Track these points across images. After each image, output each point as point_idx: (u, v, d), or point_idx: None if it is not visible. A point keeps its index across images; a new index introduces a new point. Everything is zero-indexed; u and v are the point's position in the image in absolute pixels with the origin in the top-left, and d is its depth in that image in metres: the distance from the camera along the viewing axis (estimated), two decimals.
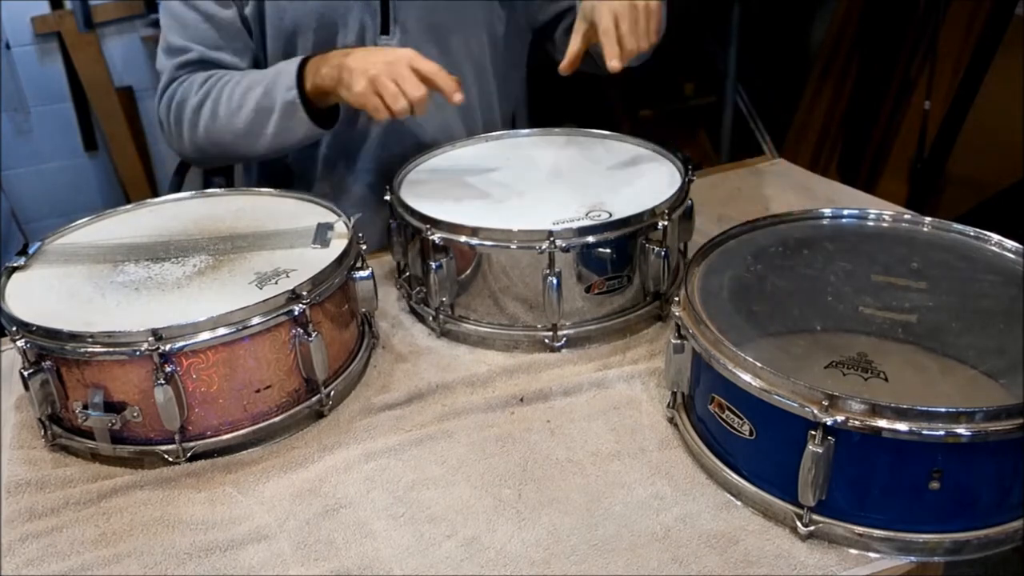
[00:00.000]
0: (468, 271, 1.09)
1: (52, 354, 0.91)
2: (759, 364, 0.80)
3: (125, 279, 1.02)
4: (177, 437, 0.94)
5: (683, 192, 1.13)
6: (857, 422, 0.75)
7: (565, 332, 1.09)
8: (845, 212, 1.09)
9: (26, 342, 0.91)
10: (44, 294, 0.99)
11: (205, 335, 0.90)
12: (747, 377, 0.81)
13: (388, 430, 0.99)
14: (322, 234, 1.09)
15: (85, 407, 0.92)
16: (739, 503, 0.86)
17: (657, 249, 1.08)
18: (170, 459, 0.95)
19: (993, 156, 2.47)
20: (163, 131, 1.35)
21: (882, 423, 0.74)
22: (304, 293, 0.94)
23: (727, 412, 0.85)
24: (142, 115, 2.73)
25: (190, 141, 1.31)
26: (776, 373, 0.78)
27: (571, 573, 0.80)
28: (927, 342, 0.86)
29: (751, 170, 1.60)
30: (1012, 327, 0.87)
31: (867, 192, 1.50)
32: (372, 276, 1.06)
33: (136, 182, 2.72)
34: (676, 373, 0.92)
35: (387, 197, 1.17)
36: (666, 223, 1.07)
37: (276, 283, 0.98)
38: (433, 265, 1.08)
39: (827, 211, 1.10)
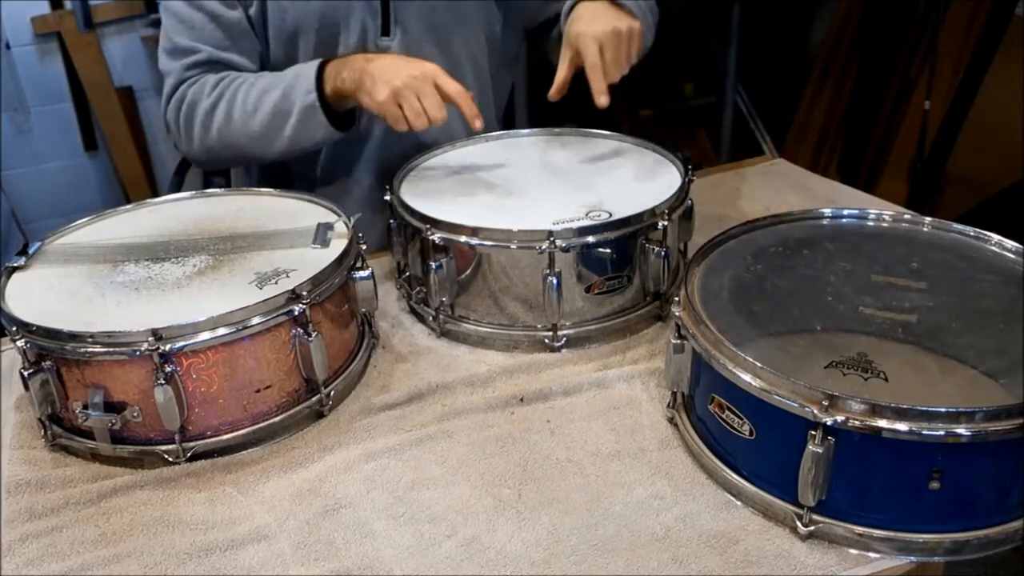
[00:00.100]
0: (468, 271, 1.09)
1: (52, 354, 0.91)
2: (759, 364, 0.80)
3: (125, 279, 1.02)
4: (177, 437, 0.94)
5: (683, 192, 1.13)
6: (857, 422, 0.75)
7: (565, 332, 1.09)
8: (845, 212, 1.09)
9: (26, 342, 0.91)
10: (44, 294, 0.99)
11: (205, 335, 0.90)
12: (747, 377, 0.81)
13: (388, 430, 0.99)
14: (322, 234, 1.09)
15: (85, 407, 0.92)
16: (739, 503, 0.86)
17: (657, 249, 1.08)
18: (170, 459, 0.95)
19: (993, 156, 2.47)
20: (169, 133, 1.35)
21: (882, 423, 0.74)
22: (304, 293, 0.94)
23: (727, 412, 0.85)
24: (142, 115, 2.73)
25: (201, 143, 1.30)
26: (776, 373, 0.78)
27: (571, 573, 0.80)
28: (927, 342, 0.86)
29: (751, 170, 1.60)
30: (1012, 327, 0.87)
31: (867, 192, 1.50)
32: (372, 276, 1.06)
33: (136, 182, 2.72)
34: (676, 373, 0.92)
35: (387, 197, 1.17)
36: (666, 223, 1.07)
37: (276, 283, 0.98)
38: (433, 265, 1.08)
39: (827, 211, 1.10)
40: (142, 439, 0.94)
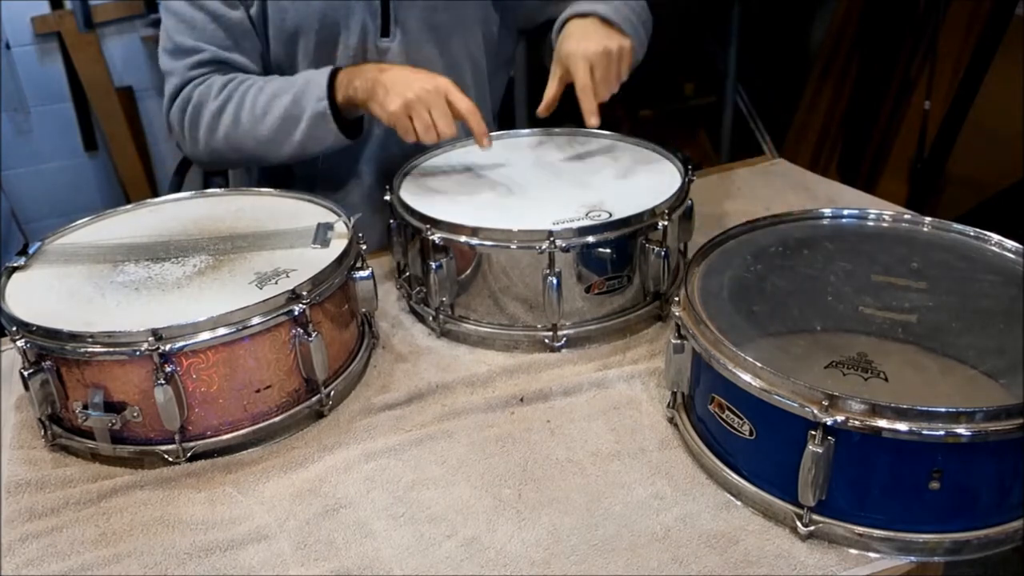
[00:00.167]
0: (468, 271, 1.09)
1: (52, 354, 0.91)
2: (759, 364, 0.80)
3: (125, 279, 1.02)
4: (177, 437, 0.94)
5: (683, 192, 1.13)
6: (857, 422, 0.75)
7: (565, 332, 1.09)
8: (845, 212, 1.09)
9: (26, 342, 0.91)
10: (44, 294, 0.99)
11: (205, 335, 0.90)
12: (747, 377, 0.81)
13: (388, 430, 0.99)
14: (322, 234, 1.09)
15: (85, 407, 0.92)
16: (739, 503, 0.86)
17: (657, 249, 1.08)
18: (170, 459, 0.95)
19: (993, 156, 2.47)
20: (172, 132, 1.34)
21: (882, 423, 0.74)
22: (304, 293, 0.94)
23: (727, 412, 0.85)
24: (142, 115, 2.73)
25: (206, 145, 1.30)
26: (776, 373, 0.78)
27: (571, 573, 0.80)
28: (927, 342, 0.86)
29: (751, 170, 1.60)
30: (1012, 327, 0.87)
31: (867, 192, 1.50)
32: (372, 276, 1.06)
33: (136, 182, 2.72)
34: (676, 373, 0.92)
35: (387, 197, 1.17)
36: (666, 223, 1.07)
37: (276, 283, 0.98)
38: (433, 265, 1.08)
39: (827, 211, 1.10)
40: (142, 439, 0.94)
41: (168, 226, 1.15)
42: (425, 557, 0.82)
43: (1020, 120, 2.34)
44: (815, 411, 0.75)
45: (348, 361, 1.06)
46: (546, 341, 1.10)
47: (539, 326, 1.09)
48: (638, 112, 3.11)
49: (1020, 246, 0.99)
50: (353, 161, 1.40)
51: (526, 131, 1.38)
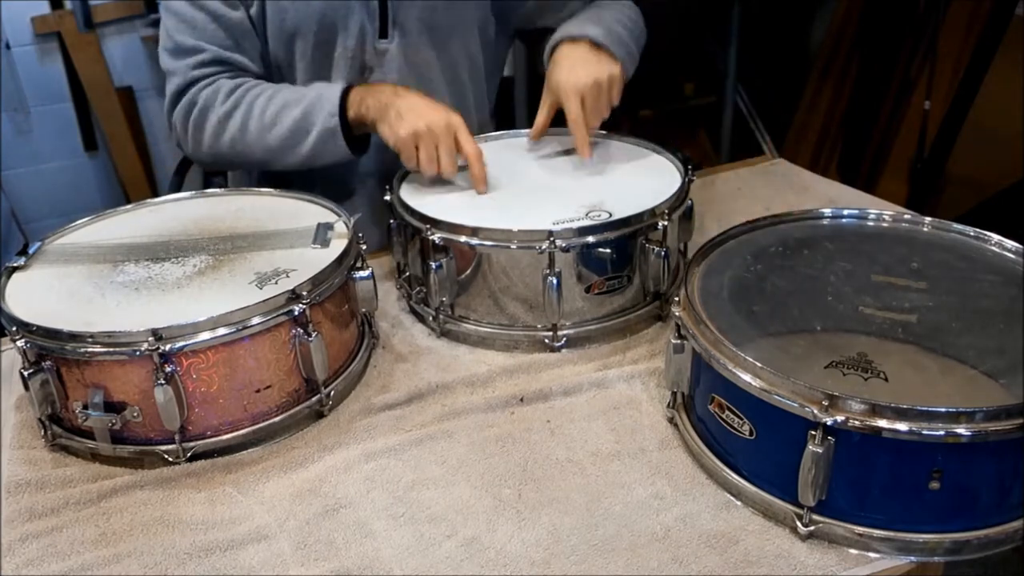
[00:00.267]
0: (468, 271, 1.09)
1: (52, 354, 0.91)
2: (759, 364, 0.80)
3: (125, 279, 1.02)
4: (177, 437, 0.94)
5: (683, 192, 1.13)
6: (857, 422, 0.75)
7: (565, 332, 1.09)
8: (845, 212, 1.09)
9: (26, 342, 0.91)
10: (44, 294, 0.99)
11: (205, 335, 0.90)
12: (747, 377, 0.81)
13: (388, 430, 0.99)
14: (322, 234, 1.09)
15: (85, 407, 0.92)
16: (739, 503, 0.86)
17: (657, 249, 1.08)
18: (170, 459, 0.95)
19: (993, 156, 2.47)
20: (173, 132, 1.34)
21: (882, 423, 0.74)
22: (304, 293, 0.94)
23: (727, 412, 0.85)
24: (142, 115, 2.74)
25: (210, 148, 1.30)
26: (776, 373, 0.78)
27: (571, 573, 0.80)
28: (927, 342, 0.86)
29: (751, 170, 1.60)
30: (1012, 327, 0.87)
31: (867, 192, 1.50)
32: (372, 276, 1.06)
33: (136, 182, 2.72)
34: (676, 373, 0.92)
35: (387, 197, 1.17)
36: (666, 223, 1.07)
37: (276, 283, 0.98)
38: (433, 265, 1.08)
39: (827, 211, 1.10)
40: (142, 439, 0.94)
41: (168, 226, 1.15)
42: (425, 557, 0.82)
43: (1020, 120, 2.34)
44: (815, 411, 0.75)
45: (348, 361, 1.06)
46: (546, 341, 1.10)
47: (539, 326, 1.09)
48: (638, 112, 3.11)
49: (1020, 246, 0.99)
50: (353, 161, 1.40)
51: (526, 131, 1.38)
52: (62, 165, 2.71)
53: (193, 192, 1.25)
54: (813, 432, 0.76)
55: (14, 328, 0.92)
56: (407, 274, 1.20)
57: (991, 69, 2.48)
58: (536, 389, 1.03)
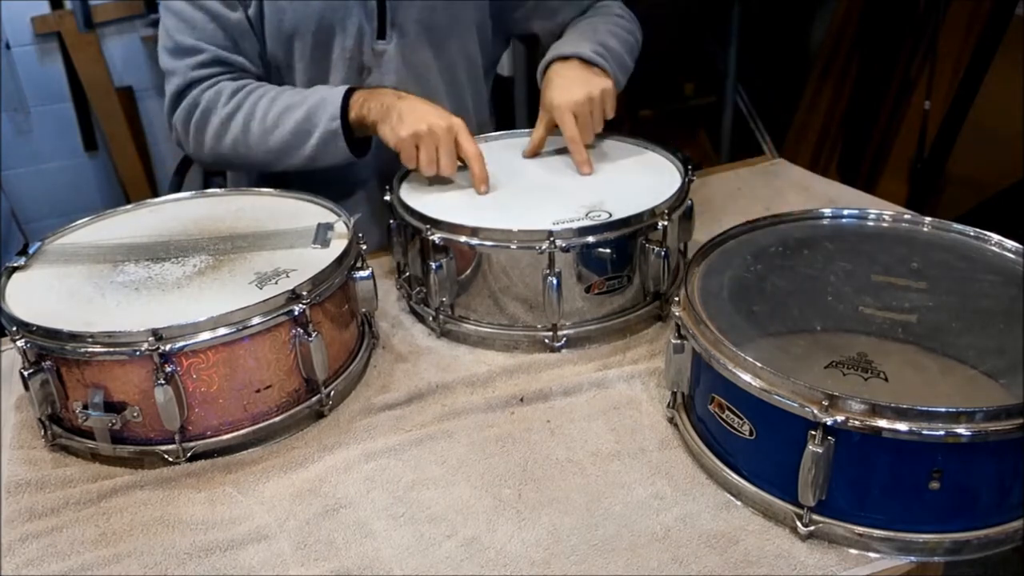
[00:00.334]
0: (468, 271, 1.09)
1: (52, 354, 0.91)
2: (759, 364, 0.80)
3: (125, 279, 1.02)
4: (177, 437, 0.94)
5: (683, 192, 1.13)
6: (857, 422, 0.75)
7: (565, 332, 1.09)
8: (845, 212, 1.09)
9: (26, 342, 0.91)
10: (44, 294, 0.99)
11: (205, 335, 0.90)
12: (747, 377, 0.81)
13: (388, 430, 0.99)
14: (322, 234, 1.09)
15: (85, 407, 0.92)
16: (739, 503, 0.86)
17: (657, 249, 1.08)
18: (170, 459, 0.95)
19: (993, 156, 2.47)
20: (173, 132, 1.34)
21: (882, 423, 0.74)
22: (304, 293, 0.94)
23: (727, 412, 0.85)
24: (142, 115, 2.74)
25: (212, 150, 1.30)
26: (776, 373, 0.78)
27: (571, 573, 0.80)
28: (927, 342, 0.86)
29: (751, 170, 1.60)
30: (1012, 327, 0.87)
31: (867, 192, 1.50)
32: (372, 276, 1.06)
33: (136, 182, 2.72)
34: (676, 373, 0.92)
35: (387, 197, 1.17)
36: (666, 223, 1.07)
37: (276, 283, 0.98)
38: (433, 265, 1.08)
39: (827, 211, 1.10)
40: (142, 439, 0.94)
41: (168, 226, 1.15)
42: (425, 557, 0.82)
43: (1020, 120, 2.34)
44: (815, 411, 0.75)
45: (348, 361, 1.06)
46: (546, 341, 1.10)
47: (539, 326, 1.09)
48: (638, 112, 3.11)
49: (1020, 246, 0.99)
50: (353, 162, 1.40)
51: (526, 131, 1.38)
52: (62, 165, 2.71)
53: (193, 192, 1.25)
54: (813, 432, 0.76)
55: (14, 328, 0.92)
56: (407, 274, 1.20)
57: (991, 69, 2.48)
58: (536, 389, 1.03)
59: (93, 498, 0.91)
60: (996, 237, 1.01)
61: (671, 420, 0.97)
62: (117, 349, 0.89)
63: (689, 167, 1.18)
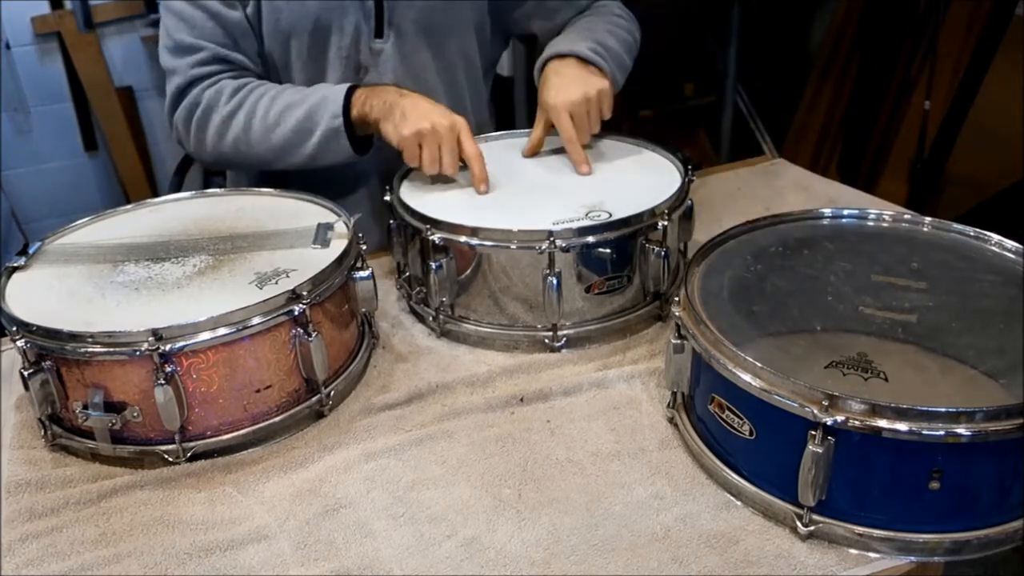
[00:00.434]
0: (468, 271, 1.09)
1: (52, 354, 0.91)
2: (759, 364, 0.80)
3: (125, 279, 1.02)
4: (177, 437, 0.94)
5: (683, 192, 1.13)
6: (857, 422, 0.75)
7: (565, 332, 1.09)
8: (845, 212, 1.09)
9: (26, 342, 0.91)
10: (44, 294, 0.99)
11: (205, 335, 0.90)
12: (747, 377, 0.81)
13: (388, 430, 0.99)
14: (322, 234, 1.09)
15: (85, 407, 0.92)
16: (739, 503, 0.86)
17: (657, 249, 1.08)
18: (170, 459, 0.95)
19: (993, 156, 2.47)
20: (174, 131, 1.34)
21: (882, 423, 0.74)
22: (304, 293, 0.94)
23: (727, 412, 0.85)
24: (142, 115, 2.74)
25: (213, 148, 1.30)
26: (776, 373, 0.78)
27: (571, 573, 0.80)
28: (927, 342, 0.86)
29: (751, 170, 1.60)
30: (1012, 327, 0.87)
31: (867, 192, 1.50)
32: (372, 276, 1.06)
33: (136, 182, 2.72)
34: (676, 373, 0.92)
35: (387, 197, 1.17)
36: (666, 223, 1.07)
37: (276, 283, 0.98)
38: (433, 265, 1.08)
39: (827, 211, 1.10)
40: (142, 439, 0.94)
41: (168, 226, 1.15)
42: (425, 557, 0.82)
43: (1020, 120, 2.34)
44: (815, 411, 0.75)
45: (348, 361, 1.06)
46: (546, 341, 1.10)
47: (539, 326, 1.09)
48: (638, 112, 3.11)
49: (1020, 246, 0.99)
50: (354, 161, 1.40)
51: (526, 131, 1.38)
52: (62, 165, 2.71)
53: (193, 192, 1.25)
54: (813, 432, 0.76)
55: (14, 328, 0.92)
56: (407, 274, 1.20)
57: (991, 69, 2.48)
58: (536, 389, 1.03)
59: (93, 498, 0.91)
60: (996, 237, 1.01)
61: (671, 420, 0.97)
62: (117, 349, 0.89)
63: (689, 167, 1.18)
